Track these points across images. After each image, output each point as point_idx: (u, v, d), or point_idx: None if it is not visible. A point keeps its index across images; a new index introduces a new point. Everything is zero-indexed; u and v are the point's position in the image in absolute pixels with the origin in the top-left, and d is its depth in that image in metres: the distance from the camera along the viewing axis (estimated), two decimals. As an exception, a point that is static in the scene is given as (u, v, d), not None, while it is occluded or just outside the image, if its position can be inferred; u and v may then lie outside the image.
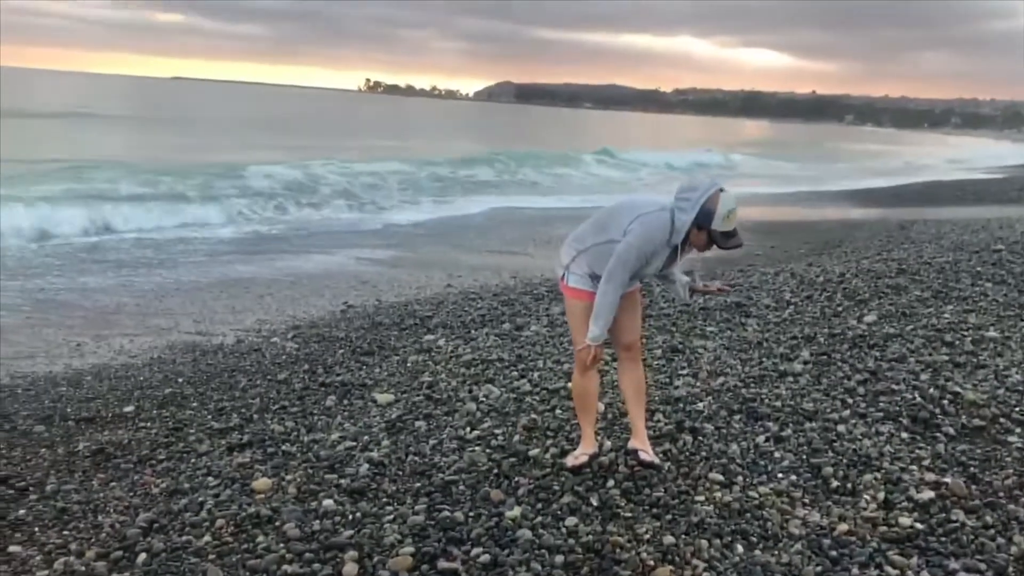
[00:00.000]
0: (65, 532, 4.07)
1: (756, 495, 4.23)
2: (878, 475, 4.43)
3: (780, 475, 4.47)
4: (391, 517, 4.01)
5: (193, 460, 4.91)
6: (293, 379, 6.41)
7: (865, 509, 4.12)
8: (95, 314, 9.07)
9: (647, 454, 4.49)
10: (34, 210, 14.31)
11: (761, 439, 4.89)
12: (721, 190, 4.09)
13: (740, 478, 4.41)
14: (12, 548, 3.92)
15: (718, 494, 4.23)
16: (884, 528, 3.94)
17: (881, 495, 4.23)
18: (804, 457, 4.66)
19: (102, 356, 7.56)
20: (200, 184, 19.83)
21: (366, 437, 5.04)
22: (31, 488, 4.61)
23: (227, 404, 5.91)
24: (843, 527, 3.93)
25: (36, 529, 4.13)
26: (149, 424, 5.57)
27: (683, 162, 41.76)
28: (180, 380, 6.65)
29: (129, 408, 5.94)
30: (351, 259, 13.21)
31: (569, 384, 5.70)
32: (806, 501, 4.21)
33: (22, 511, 4.31)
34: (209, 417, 5.66)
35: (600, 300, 4.18)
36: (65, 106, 54.61)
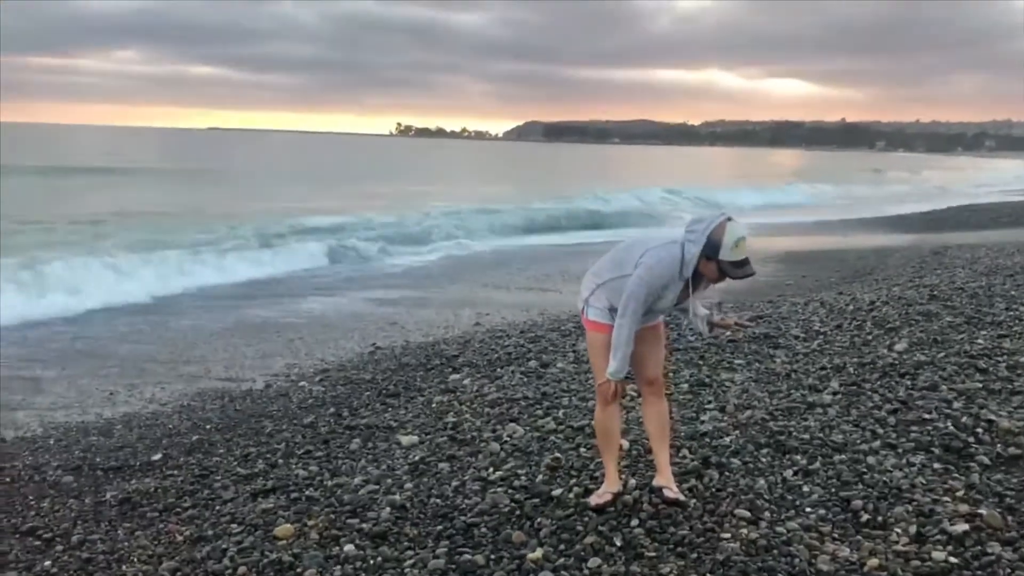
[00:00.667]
0: (89, 583, 4.09)
1: (784, 531, 4.14)
2: (910, 507, 4.32)
3: (808, 510, 4.37)
4: (411, 562, 3.98)
5: (218, 507, 4.92)
6: (319, 423, 6.42)
7: (897, 543, 4.01)
8: (128, 362, 9.18)
9: (672, 491, 4.42)
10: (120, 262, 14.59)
11: (789, 473, 4.80)
12: (729, 219, 4.07)
13: (767, 514, 4.32)
14: (37, 600, 3.94)
15: (744, 531, 4.15)
16: (917, 562, 3.83)
17: (913, 528, 4.12)
18: (833, 490, 4.56)
19: (133, 405, 7.63)
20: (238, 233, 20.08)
21: (389, 480, 5.02)
22: (57, 539, 4.64)
23: (253, 450, 5.93)
24: (874, 562, 3.83)
25: (61, 580, 4.15)
26: (176, 472, 5.60)
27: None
28: (208, 427, 6.70)
29: (157, 456, 5.98)
30: (379, 300, 13.27)
31: (593, 422, 5.67)
32: (835, 536, 4.11)
33: (48, 563, 4.34)
34: (235, 463, 5.67)
35: (616, 334, 4.18)
36: (112, 160, 55.28)
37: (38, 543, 4.61)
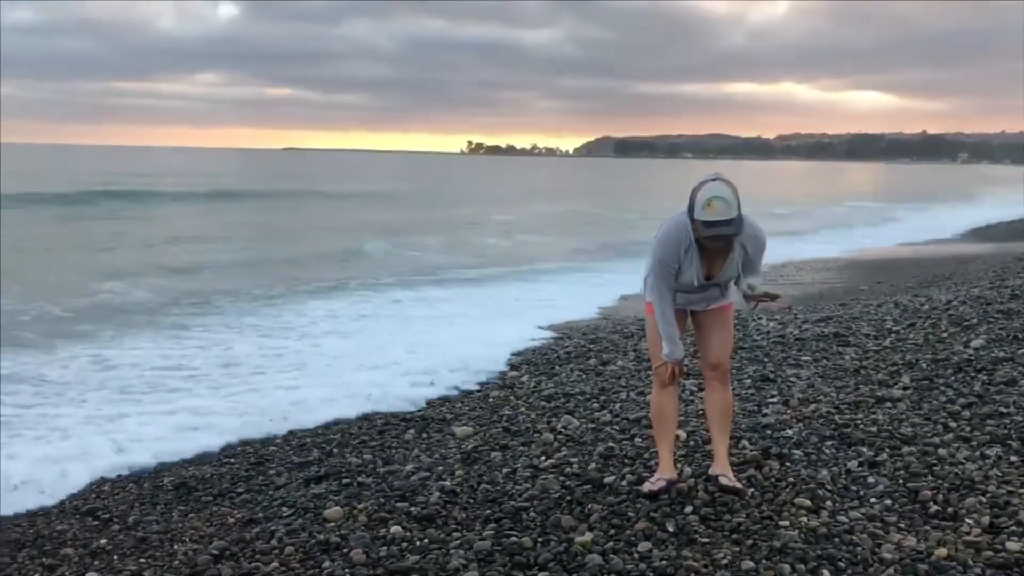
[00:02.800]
0: (141, 560, 4.10)
1: (846, 520, 3.96)
2: (983, 499, 4.09)
3: (873, 500, 4.18)
4: (457, 543, 3.91)
5: (271, 492, 4.92)
6: (375, 416, 6.41)
7: (968, 534, 3.79)
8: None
9: (729, 479, 4.27)
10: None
11: (853, 464, 4.60)
12: (714, 179, 3.92)
13: (829, 503, 4.14)
14: (89, 574, 3.98)
15: (804, 519, 3.97)
16: (989, 553, 3.61)
17: (986, 519, 3.89)
18: (900, 482, 4.36)
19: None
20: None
21: (440, 468, 4.97)
22: (114, 519, 4.69)
23: (309, 440, 5.94)
24: (942, 551, 3.62)
25: (115, 557, 4.19)
26: (232, 460, 5.64)
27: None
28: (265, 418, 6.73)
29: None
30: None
31: (650, 407, 5.54)
32: (901, 526, 3.91)
33: (103, 540, 4.39)
34: (291, 452, 5.69)
35: (655, 314, 4.15)
36: (212, 184, 50.70)
37: (96, 523, 4.67)
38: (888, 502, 4.14)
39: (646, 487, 4.34)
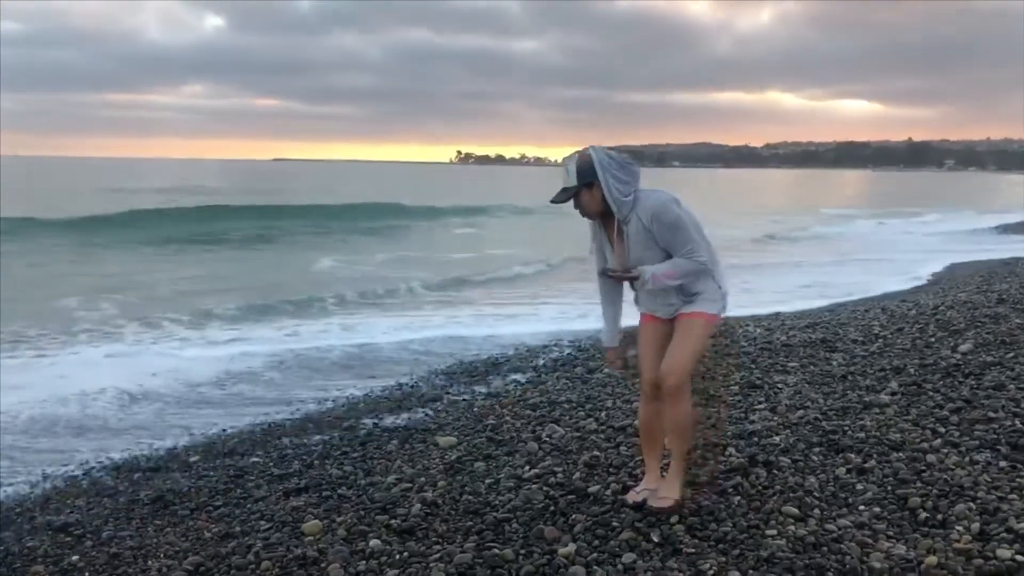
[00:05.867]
0: (112, 577, 4.01)
1: (834, 528, 3.88)
2: (973, 505, 4.01)
3: (862, 507, 4.10)
4: (438, 556, 3.82)
5: (249, 505, 4.82)
6: (358, 426, 6.31)
7: (958, 541, 3.72)
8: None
9: (658, 500, 4.08)
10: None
11: (842, 471, 4.52)
12: (587, 148, 3.92)
13: (817, 511, 4.06)
14: (59, 592, 3.87)
15: (792, 527, 3.90)
16: (980, 561, 3.54)
17: (976, 526, 3.82)
18: (889, 488, 4.28)
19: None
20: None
21: (422, 479, 4.87)
22: (88, 535, 4.59)
23: (290, 451, 5.84)
24: (932, 560, 3.54)
25: (87, 574, 4.08)
26: (211, 472, 5.53)
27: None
28: (254, 430, 6.63)
29: (195, 458, 5.93)
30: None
31: (636, 422, 5.47)
32: (890, 534, 3.83)
33: (75, 557, 4.28)
34: (271, 464, 5.58)
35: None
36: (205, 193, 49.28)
37: (69, 539, 4.56)
38: (877, 509, 4.07)
39: (630, 497, 4.25)
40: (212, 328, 11.64)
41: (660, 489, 4.11)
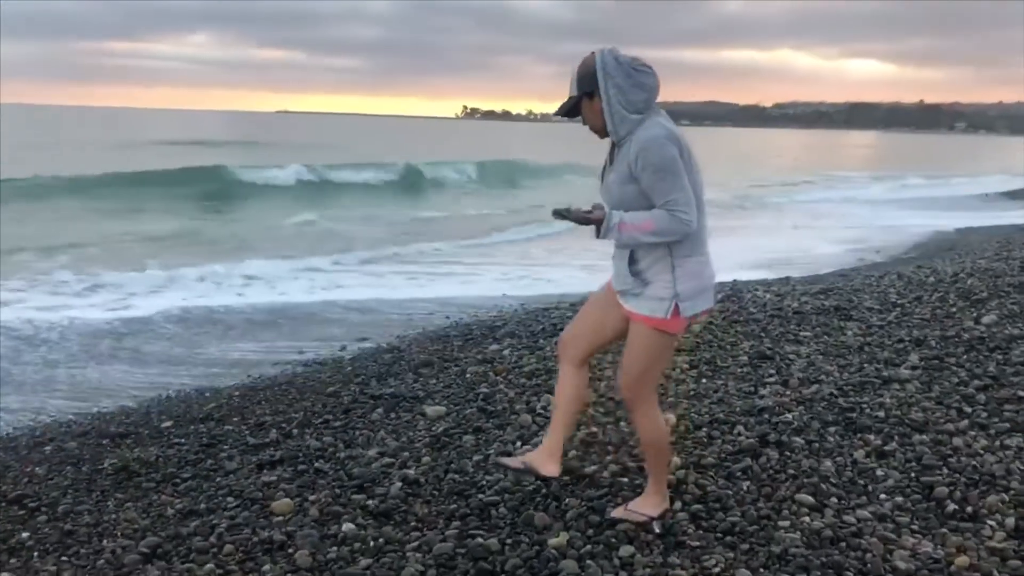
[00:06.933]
0: (63, 558, 3.66)
1: (853, 520, 3.53)
2: (1006, 496, 3.67)
3: (883, 496, 3.75)
4: (416, 544, 3.47)
5: (219, 479, 4.47)
6: (343, 392, 5.94)
7: (991, 538, 3.37)
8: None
9: (620, 511, 3.62)
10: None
11: (860, 454, 4.17)
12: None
13: (834, 500, 3.71)
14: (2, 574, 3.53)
15: (806, 519, 3.55)
16: (1017, 562, 3.19)
17: (1011, 521, 3.47)
18: (913, 475, 3.93)
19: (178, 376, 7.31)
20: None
21: (406, 453, 4.52)
22: (43, 508, 4.24)
23: (268, 418, 5.47)
24: (963, 560, 3.20)
25: (35, 554, 3.74)
26: (183, 440, 5.17)
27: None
28: (230, 394, 6.28)
29: (168, 423, 5.57)
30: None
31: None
32: (915, 528, 3.49)
33: (26, 534, 3.93)
34: (247, 432, 5.22)
35: None
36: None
37: (22, 512, 4.21)
38: (899, 499, 3.72)
39: (508, 462, 3.77)
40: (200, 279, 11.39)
41: (635, 501, 3.63)
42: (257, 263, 12.97)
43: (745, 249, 14.51)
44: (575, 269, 13.01)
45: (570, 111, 3.33)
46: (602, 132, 3.30)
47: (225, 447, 4.98)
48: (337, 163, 32.22)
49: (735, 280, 9.89)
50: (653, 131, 3.18)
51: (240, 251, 14.59)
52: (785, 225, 20.43)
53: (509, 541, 3.45)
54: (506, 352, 6.71)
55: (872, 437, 4.34)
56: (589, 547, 3.37)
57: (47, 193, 22.02)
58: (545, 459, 3.62)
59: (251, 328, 9.08)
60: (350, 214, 21.42)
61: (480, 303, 10.00)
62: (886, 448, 4.21)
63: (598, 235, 3.24)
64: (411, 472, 4.20)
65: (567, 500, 3.79)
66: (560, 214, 3.28)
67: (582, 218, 3.24)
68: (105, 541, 3.79)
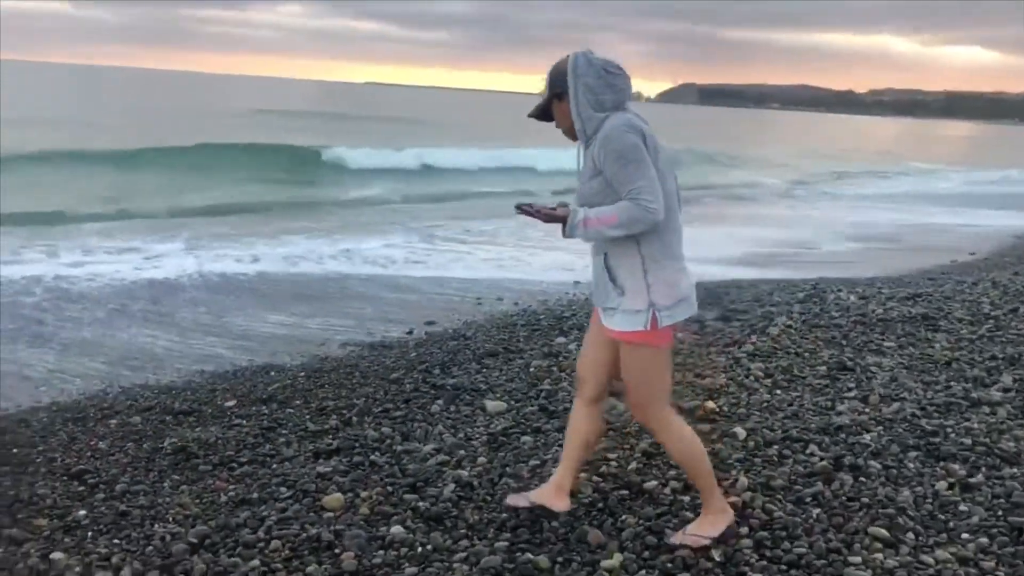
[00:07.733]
0: (115, 541, 3.66)
1: (931, 561, 3.29)
2: (1106, 546, 3.37)
3: (965, 535, 3.48)
4: (463, 554, 3.36)
5: (274, 465, 4.44)
6: (405, 380, 5.87)
7: (1086, 592, 3.10)
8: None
9: (690, 537, 3.40)
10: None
11: (942, 485, 3.89)
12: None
13: (910, 536, 3.47)
14: (55, 554, 3.54)
15: (879, 555, 3.31)
16: (1114, 626, 2.92)
17: (1110, 574, 3.18)
18: (1000, 513, 3.64)
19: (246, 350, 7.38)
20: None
21: (462, 451, 4.41)
22: (101, 486, 4.27)
23: (331, 403, 5.44)
24: (1053, 616, 2.94)
25: (89, 534, 3.75)
26: (243, 421, 5.18)
27: None
28: (295, 375, 6.27)
29: (231, 403, 5.59)
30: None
31: (708, 403, 4.90)
32: (1000, 574, 3.22)
33: (83, 512, 3.96)
34: (308, 417, 5.19)
35: None
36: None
37: (81, 488, 4.26)
38: (984, 540, 3.44)
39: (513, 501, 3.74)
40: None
41: (693, 524, 3.45)
42: (351, 240, 13.21)
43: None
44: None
45: (542, 114, 3.30)
46: (572, 134, 3.24)
47: (284, 432, 4.96)
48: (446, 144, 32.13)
49: (818, 278, 9.52)
50: (615, 121, 3.11)
51: (341, 229, 14.64)
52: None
53: (560, 559, 3.31)
54: (572, 346, 6.55)
55: (956, 467, 4.06)
56: (644, 572, 3.21)
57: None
58: (554, 494, 3.62)
59: (326, 298, 9.27)
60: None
61: (551, 290, 9.84)
62: (971, 480, 3.93)
63: (564, 233, 3.16)
64: (465, 473, 4.10)
65: (624, 517, 3.63)
66: (523, 210, 3.17)
67: (547, 214, 3.15)
68: (156, 526, 3.78)
